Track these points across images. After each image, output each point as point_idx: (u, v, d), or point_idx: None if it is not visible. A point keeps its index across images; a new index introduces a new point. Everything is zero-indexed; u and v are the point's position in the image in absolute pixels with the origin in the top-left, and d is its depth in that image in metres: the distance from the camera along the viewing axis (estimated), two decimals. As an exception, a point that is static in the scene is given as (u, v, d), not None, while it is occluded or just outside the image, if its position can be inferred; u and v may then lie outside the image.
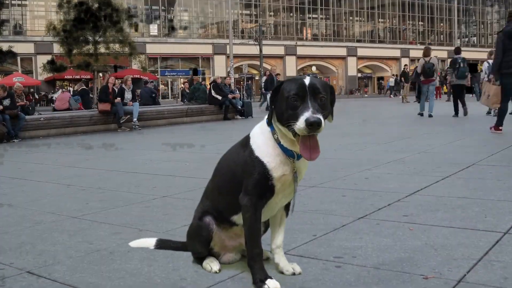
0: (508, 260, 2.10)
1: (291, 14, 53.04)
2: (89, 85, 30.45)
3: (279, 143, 2.01)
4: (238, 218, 2.18)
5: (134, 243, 2.65)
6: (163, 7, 47.07)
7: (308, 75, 2.06)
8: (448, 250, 2.26)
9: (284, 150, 2.00)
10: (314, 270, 2.08)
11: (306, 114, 1.82)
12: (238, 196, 2.07)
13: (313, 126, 1.81)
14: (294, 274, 2.16)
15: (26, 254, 2.43)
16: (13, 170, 5.72)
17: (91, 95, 21.18)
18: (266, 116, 2.09)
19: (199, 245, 2.30)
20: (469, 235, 2.49)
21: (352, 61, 53.13)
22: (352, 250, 2.32)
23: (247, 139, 2.11)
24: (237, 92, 18.52)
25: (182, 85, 21.97)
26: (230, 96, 14.93)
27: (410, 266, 2.09)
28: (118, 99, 11.74)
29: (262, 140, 2.05)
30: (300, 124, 1.84)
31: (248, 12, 51.74)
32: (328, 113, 1.94)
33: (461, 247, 2.30)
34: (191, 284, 1.99)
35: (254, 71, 46.47)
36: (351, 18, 55.83)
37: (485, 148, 5.86)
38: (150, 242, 2.61)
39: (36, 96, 30.44)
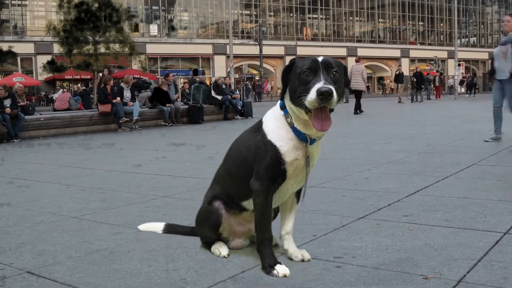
0: (508, 260, 2.10)
1: (291, 14, 53.03)
2: (89, 85, 30.47)
3: (292, 126, 1.99)
4: (248, 204, 2.17)
5: (142, 227, 2.66)
6: (163, 7, 47.07)
7: None
8: (448, 250, 2.26)
9: (298, 134, 1.98)
10: (314, 270, 2.08)
11: (318, 85, 1.81)
12: (249, 181, 2.06)
13: (324, 95, 1.78)
14: (303, 260, 2.16)
15: (26, 254, 2.43)
16: (13, 170, 5.71)
17: (91, 95, 21.16)
18: (279, 101, 2.08)
19: (208, 229, 2.30)
20: (469, 235, 2.49)
21: (352, 61, 52.76)
22: (352, 250, 2.32)
23: (259, 124, 2.10)
24: (237, 92, 18.51)
25: (182, 85, 21.96)
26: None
27: (410, 266, 2.09)
28: (118, 99, 11.74)
29: (275, 124, 2.03)
30: (311, 95, 1.81)
31: (248, 12, 51.75)
32: (342, 90, 1.92)
33: (461, 247, 2.30)
34: (191, 284, 1.99)
35: (254, 71, 46.48)
36: (351, 18, 55.83)
37: (485, 148, 5.86)
38: (158, 226, 2.62)
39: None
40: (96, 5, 29.56)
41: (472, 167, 4.59)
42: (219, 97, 14.62)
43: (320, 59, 1.90)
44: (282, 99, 2.05)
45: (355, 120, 12.37)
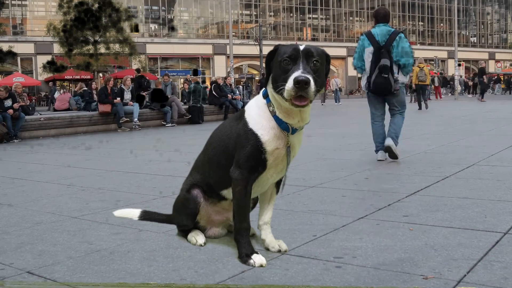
0: (508, 261, 2.10)
1: (291, 14, 53.05)
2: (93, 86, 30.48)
3: (274, 115, 1.99)
4: (228, 193, 2.17)
5: (118, 212, 2.66)
6: (163, 7, 47.08)
7: None
8: (448, 250, 2.26)
9: (279, 123, 1.98)
10: (314, 271, 2.08)
11: (295, 74, 1.80)
12: (230, 170, 2.06)
13: (300, 84, 1.77)
14: (280, 251, 2.15)
15: (26, 254, 2.43)
16: (13, 170, 5.71)
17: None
18: (262, 90, 2.09)
19: (185, 217, 2.30)
20: (469, 235, 2.49)
21: (352, 62, 53.16)
22: (352, 250, 2.32)
23: (242, 112, 2.10)
24: (238, 93, 18.50)
25: (182, 85, 21.95)
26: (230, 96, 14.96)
27: (410, 266, 2.09)
28: (118, 99, 11.75)
29: (257, 112, 2.03)
30: (288, 84, 1.80)
31: (248, 12, 51.76)
32: (322, 81, 1.90)
33: (461, 247, 2.30)
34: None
35: (254, 71, 46.49)
36: (351, 18, 55.86)
37: (485, 148, 5.86)
38: (134, 213, 2.61)
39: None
40: (96, 5, 29.60)
41: (472, 167, 4.59)
42: (227, 95, 14.66)
43: (301, 47, 1.89)
44: (265, 86, 2.04)
45: (355, 120, 12.37)
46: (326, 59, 1.96)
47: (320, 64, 1.89)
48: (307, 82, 1.77)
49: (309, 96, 1.82)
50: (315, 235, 2.58)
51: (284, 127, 1.97)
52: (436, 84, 29.72)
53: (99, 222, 3.03)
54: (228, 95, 14.82)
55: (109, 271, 2.16)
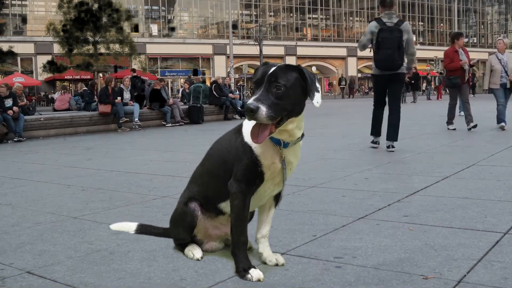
0: (508, 261, 2.10)
1: (291, 14, 53.06)
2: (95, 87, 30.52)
3: None
4: (226, 206, 2.16)
5: (114, 226, 2.65)
6: (163, 7, 47.10)
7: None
8: (448, 250, 2.26)
9: (271, 137, 1.99)
10: (314, 271, 2.08)
11: (248, 101, 1.83)
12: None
13: (247, 112, 1.79)
14: (277, 265, 2.15)
15: (26, 254, 2.43)
16: (13, 170, 5.71)
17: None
18: None
19: (182, 231, 2.29)
20: (469, 235, 2.49)
21: (352, 62, 53.17)
22: (352, 250, 2.32)
23: (240, 126, 2.11)
24: (237, 93, 18.51)
25: (182, 85, 21.95)
26: (231, 96, 14.98)
27: (410, 266, 2.09)
28: (118, 99, 11.75)
29: (251, 125, 2.05)
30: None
31: (248, 12, 51.77)
32: (288, 106, 1.85)
33: (461, 247, 2.30)
34: (191, 285, 1.98)
35: (254, 71, 46.49)
36: (351, 18, 55.86)
37: (485, 148, 5.86)
38: (130, 226, 2.60)
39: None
40: (96, 5, 29.62)
41: (472, 167, 4.59)
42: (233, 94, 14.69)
43: (271, 69, 1.85)
44: None
45: (355, 120, 12.37)
46: (300, 73, 1.90)
47: (285, 89, 1.84)
48: (252, 110, 1.78)
49: (260, 121, 1.81)
50: (315, 235, 2.58)
51: (276, 141, 1.98)
52: (437, 84, 29.75)
53: (99, 222, 3.03)
54: (229, 94, 14.84)
55: (109, 271, 2.15)
